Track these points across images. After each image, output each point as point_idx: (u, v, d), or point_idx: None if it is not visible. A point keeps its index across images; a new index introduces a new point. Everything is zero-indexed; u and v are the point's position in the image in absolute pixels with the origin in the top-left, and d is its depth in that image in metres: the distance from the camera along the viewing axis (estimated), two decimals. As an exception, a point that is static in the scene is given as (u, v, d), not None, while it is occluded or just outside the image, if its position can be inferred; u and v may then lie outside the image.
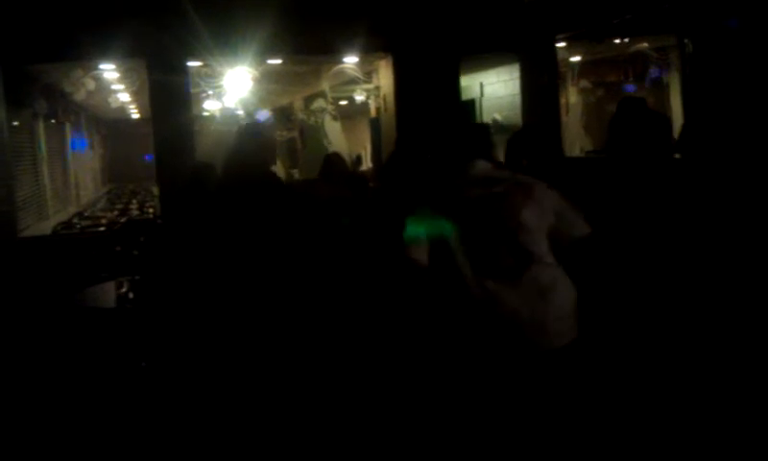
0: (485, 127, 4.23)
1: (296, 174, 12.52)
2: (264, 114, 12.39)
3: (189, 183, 4.82)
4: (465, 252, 3.04)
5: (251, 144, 4.19)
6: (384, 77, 8.85)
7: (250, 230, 3.89)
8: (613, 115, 3.85)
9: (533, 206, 3.02)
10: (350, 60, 8.90)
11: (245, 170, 4.09)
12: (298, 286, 3.88)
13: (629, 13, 7.76)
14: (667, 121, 4.47)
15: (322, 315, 4.05)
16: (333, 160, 5.86)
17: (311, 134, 12.66)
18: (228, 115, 12.68)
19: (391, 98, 8.46)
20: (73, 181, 13.17)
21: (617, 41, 9.73)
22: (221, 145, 12.31)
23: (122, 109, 14.46)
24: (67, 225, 9.71)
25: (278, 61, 8.79)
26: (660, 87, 10.72)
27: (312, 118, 12.21)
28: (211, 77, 9.47)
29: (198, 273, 3.98)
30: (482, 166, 3.14)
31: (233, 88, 10.18)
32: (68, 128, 12.81)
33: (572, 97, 11.64)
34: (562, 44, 8.75)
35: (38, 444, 4.15)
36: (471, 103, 10.93)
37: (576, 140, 11.22)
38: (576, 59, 11.04)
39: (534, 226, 3.02)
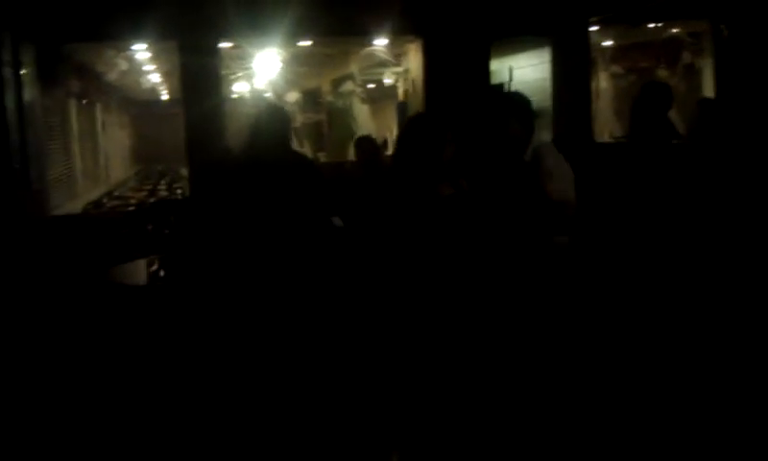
0: None
1: (322, 157, 12.53)
2: (292, 97, 12.43)
3: (217, 165, 4.85)
4: None
5: (270, 124, 4.18)
6: (413, 60, 8.81)
7: (279, 209, 3.91)
8: (635, 100, 3.78)
9: None
10: (380, 43, 8.88)
11: (269, 151, 4.10)
12: (322, 268, 3.89)
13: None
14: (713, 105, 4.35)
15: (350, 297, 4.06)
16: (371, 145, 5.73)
17: (338, 118, 12.65)
18: (257, 97, 12.74)
19: (419, 82, 8.43)
20: (103, 161, 13.32)
21: (650, 26, 9.60)
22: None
23: (152, 90, 14.59)
24: (97, 204, 9.83)
25: (308, 43, 8.79)
26: (693, 73, 10.57)
27: (340, 101, 12.19)
28: (241, 59, 9.51)
29: (227, 251, 4.02)
30: None
31: (262, 71, 10.23)
32: (99, 108, 12.95)
33: (603, 82, 11.51)
34: (594, 28, 8.64)
35: (70, 419, 4.22)
36: (500, 87, 10.85)
37: (606, 126, 11.11)
38: (608, 43, 10.91)
39: None
